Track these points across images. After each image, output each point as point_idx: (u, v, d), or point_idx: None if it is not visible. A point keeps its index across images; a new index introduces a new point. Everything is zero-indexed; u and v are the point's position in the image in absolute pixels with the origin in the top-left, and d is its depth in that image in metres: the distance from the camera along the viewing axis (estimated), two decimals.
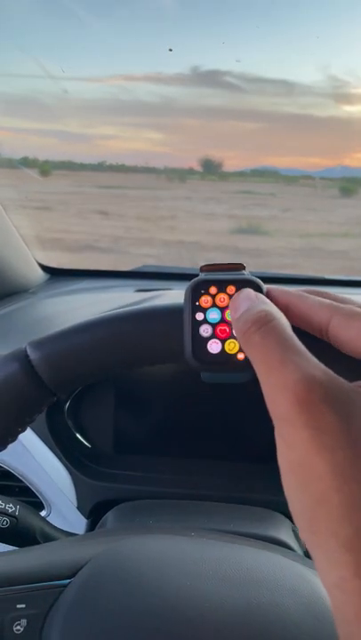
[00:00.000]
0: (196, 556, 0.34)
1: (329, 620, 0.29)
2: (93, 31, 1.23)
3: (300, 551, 0.47)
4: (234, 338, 0.27)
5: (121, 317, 0.30)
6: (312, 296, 0.25)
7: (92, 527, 0.60)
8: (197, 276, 0.29)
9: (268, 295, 0.26)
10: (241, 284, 0.27)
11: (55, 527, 0.50)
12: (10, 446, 0.33)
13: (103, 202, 2.14)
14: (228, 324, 0.28)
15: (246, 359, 0.27)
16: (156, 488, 0.59)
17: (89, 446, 0.64)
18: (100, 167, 1.70)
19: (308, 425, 0.17)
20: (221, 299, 0.28)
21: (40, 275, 0.94)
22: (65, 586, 0.31)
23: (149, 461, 0.63)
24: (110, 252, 1.67)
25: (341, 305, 0.24)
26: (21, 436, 0.35)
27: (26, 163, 1.25)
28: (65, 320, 0.68)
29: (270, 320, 0.21)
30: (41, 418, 0.59)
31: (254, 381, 0.23)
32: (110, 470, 0.61)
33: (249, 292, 0.25)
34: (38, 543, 0.46)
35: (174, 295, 0.74)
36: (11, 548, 0.45)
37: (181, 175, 1.85)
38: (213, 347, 0.28)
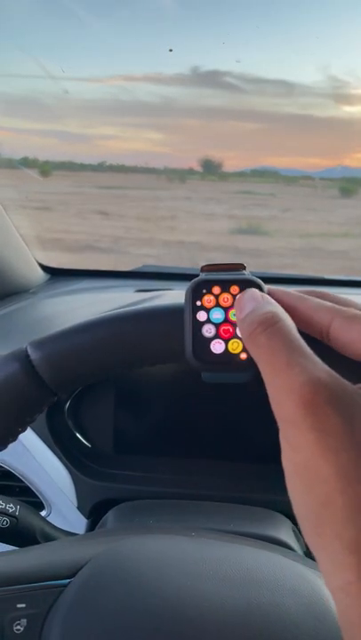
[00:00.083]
0: (196, 556, 0.34)
1: (329, 620, 0.29)
2: (93, 31, 1.23)
3: (300, 551, 0.47)
4: (237, 338, 0.27)
5: (122, 317, 0.30)
6: (313, 298, 0.25)
7: (92, 527, 0.60)
8: (198, 276, 0.29)
9: (269, 296, 0.26)
10: (242, 284, 0.27)
11: (55, 527, 0.50)
12: (10, 446, 0.33)
13: (103, 202, 2.14)
14: (232, 324, 0.27)
15: (249, 359, 0.27)
16: (156, 488, 0.59)
17: (89, 446, 0.64)
18: (100, 167, 1.70)
19: (314, 427, 0.17)
20: (225, 298, 0.28)
21: (40, 275, 0.94)
22: (65, 586, 0.31)
23: (149, 461, 0.63)
24: (110, 253, 1.67)
25: (342, 308, 0.24)
26: (22, 436, 0.35)
27: (26, 163, 1.25)
28: (65, 320, 0.68)
29: (277, 321, 0.21)
30: (41, 418, 0.59)
31: (255, 382, 0.23)
32: (110, 470, 0.61)
33: (254, 291, 0.25)
34: (38, 543, 0.46)
35: (175, 295, 0.74)
36: (11, 547, 0.45)
37: (181, 175, 1.85)
38: (217, 347, 0.28)
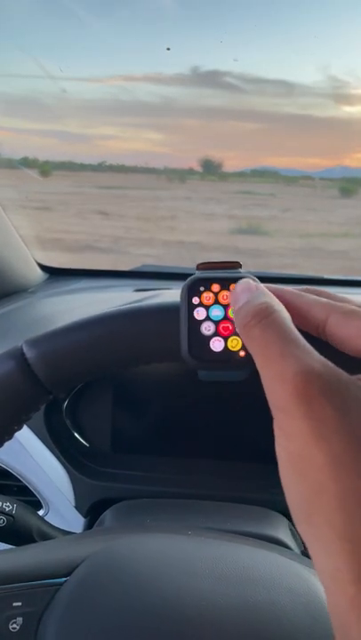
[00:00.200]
0: (192, 555, 0.34)
1: (326, 618, 0.29)
2: (93, 31, 1.23)
3: (297, 550, 0.47)
4: (237, 335, 0.27)
5: (117, 315, 0.30)
6: (308, 294, 0.25)
7: (89, 526, 0.60)
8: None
9: None
10: (237, 281, 0.27)
11: (52, 526, 0.50)
12: (8, 445, 0.33)
13: (103, 202, 2.14)
14: (231, 321, 0.27)
15: (247, 356, 0.27)
16: (153, 487, 0.59)
17: (87, 445, 0.64)
18: (100, 167, 1.70)
19: (307, 416, 0.17)
20: (224, 296, 0.28)
21: (39, 274, 0.95)
22: (61, 584, 0.31)
23: (147, 460, 0.63)
24: (110, 253, 1.67)
25: (339, 303, 0.24)
26: (19, 435, 0.35)
27: (26, 163, 1.25)
28: (64, 319, 0.68)
29: (271, 313, 0.21)
30: (39, 417, 0.59)
31: (253, 381, 0.23)
32: (108, 469, 0.61)
33: (249, 282, 0.25)
34: (35, 542, 0.46)
35: (173, 294, 0.74)
36: (7, 546, 0.45)
37: (181, 175, 1.85)
38: (216, 344, 0.28)
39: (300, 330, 0.22)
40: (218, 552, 0.35)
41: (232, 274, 0.28)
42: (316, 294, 0.25)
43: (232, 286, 0.27)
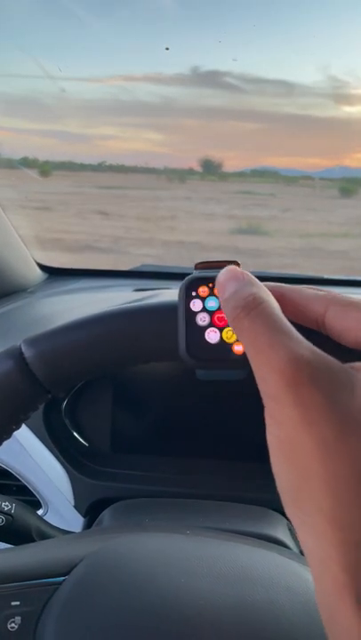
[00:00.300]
0: (191, 554, 0.34)
1: None
2: (93, 31, 1.23)
3: (295, 549, 0.47)
4: None
5: (115, 314, 0.30)
6: (306, 289, 0.25)
7: (88, 526, 0.60)
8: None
9: None
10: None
11: (51, 525, 0.50)
12: (7, 445, 0.33)
13: (103, 202, 2.14)
14: None
15: (244, 354, 0.27)
16: (153, 487, 0.59)
17: (86, 445, 0.64)
18: (99, 167, 1.70)
19: (296, 402, 0.17)
20: None
21: (38, 274, 0.95)
22: (59, 583, 0.31)
23: (147, 460, 0.63)
24: (110, 253, 1.67)
25: (337, 295, 0.24)
26: (19, 435, 0.35)
27: (26, 163, 1.25)
28: (63, 319, 0.68)
29: (259, 303, 0.21)
30: (38, 416, 0.59)
31: (252, 380, 0.23)
32: (107, 469, 0.61)
33: (235, 269, 0.24)
34: (34, 541, 0.46)
35: (172, 294, 0.74)
36: (6, 546, 0.45)
37: (181, 175, 1.85)
38: (211, 335, 0.28)
39: (298, 324, 0.22)
40: (216, 551, 0.35)
41: None
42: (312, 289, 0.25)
43: None
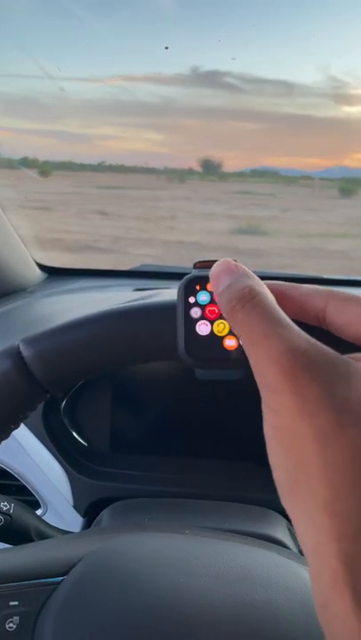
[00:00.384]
0: (190, 554, 0.34)
1: None
2: (93, 31, 1.23)
3: (295, 549, 0.47)
4: (223, 319, 0.27)
5: (114, 314, 0.30)
6: (305, 285, 0.25)
7: (87, 526, 0.60)
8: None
9: None
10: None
11: (50, 525, 0.50)
12: (6, 444, 0.33)
13: (103, 202, 2.14)
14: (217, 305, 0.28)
15: (238, 349, 0.27)
16: (152, 487, 0.59)
17: (85, 445, 0.64)
18: (99, 167, 1.70)
19: (293, 392, 0.17)
20: None
21: (38, 274, 0.94)
22: (58, 583, 0.31)
23: (146, 460, 0.63)
24: (110, 253, 1.67)
25: (337, 290, 0.24)
26: (17, 434, 0.35)
27: (25, 163, 1.25)
28: (62, 319, 0.68)
29: (254, 296, 0.21)
30: (37, 416, 0.59)
31: (251, 380, 0.23)
32: (106, 469, 0.61)
33: (228, 262, 0.24)
34: (33, 541, 0.46)
35: (172, 294, 0.74)
36: (5, 546, 0.45)
37: (181, 175, 1.85)
38: (202, 328, 0.28)
39: (297, 321, 0.22)
40: (215, 551, 0.34)
41: None
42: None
43: None
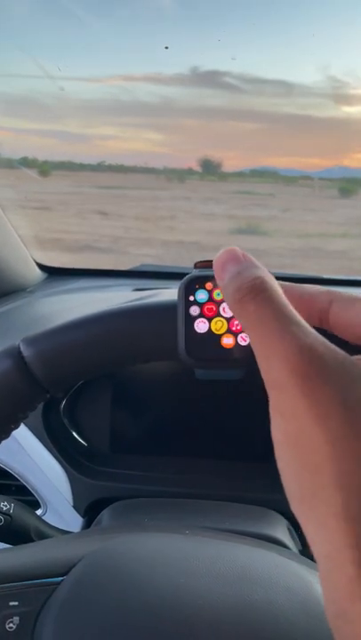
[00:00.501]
0: (190, 554, 0.34)
1: (323, 618, 0.29)
2: (93, 31, 1.23)
3: (295, 549, 0.47)
4: (220, 317, 0.27)
5: (114, 314, 0.30)
6: (309, 285, 0.25)
7: (87, 526, 0.60)
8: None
9: None
10: None
11: (50, 525, 0.50)
12: (6, 444, 0.33)
13: (102, 202, 2.14)
14: (216, 302, 0.28)
15: (235, 348, 0.27)
16: (152, 487, 0.59)
17: (85, 445, 0.64)
18: (99, 167, 1.70)
19: (306, 394, 0.17)
20: (217, 293, 0.28)
21: (38, 274, 0.94)
22: (58, 583, 0.31)
23: (146, 460, 0.63)
24: (110, 252, 1.67)
25: (341, 292, 0.24)
26: (17, 435, 0.35)
27: (25, 163, 1.25)
28: (62, 319, 0.68)
29: (266, 288, 0.20)
30: (37, 416, 0.59)
31: (251, 380, 0.23)
32: (106, 469, 0.61)
33: (235, 250, 0.22)
34: (33, 541, 0.46)
35: (171, 294, 0.74)
36: (5, 546, 0.45)
37: (181, 175, 1.85)
38: (200, 326, 0.28)
39: None
40: (215, 551, 0.34)
41: None
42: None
43: None
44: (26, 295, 0.86)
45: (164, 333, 0.29)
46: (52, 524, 0.52)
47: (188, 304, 0.28)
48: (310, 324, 0.22)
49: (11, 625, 0.29)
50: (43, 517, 0.53)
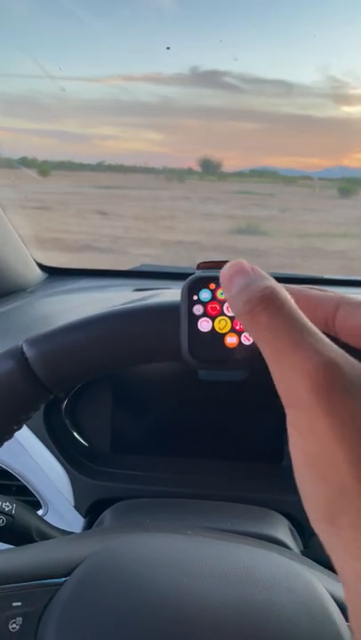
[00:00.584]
0: (192, 555, 0.34)
1: (325, 618, 0.29)
2: (93, 31, 1.23)
3: (296, 550, 0.47)
4: (224, 315, 0.27)
5: (117, 315, 0.30)
6: (315, 290, 0.24)
7: (89, 526, 0.60)
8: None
9: None
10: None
11: (52, 526, 0.50)
12: (7, 445, 0.33)
13: (102, 202, 2.14)
14: (219, 301, 0.28)
15: (239, 348, 0.27)
16: (153, 487, 0.59)
17: (86, 445, 0.64)
18: (99, 167, 1.70)
19: (328, 413, 0.16)
20: (221, 292, 0.28)
21: (38, 274, 0.94)
22: (61, 584, 0.31)
23: (147, 460, 0.63)
24: (109, 252, 1.67)
25: (348, 296, 0.23)
26: (19, 435, 0.35)
27: (25, 163, 1.25)
28: (63, 319, 0.68)
29: (277, 298, 0.19)
30: (38, 416, 0.59)
31: (253, 380, 0.23)
32: (108, 469, 0.61)
33: (242, 263, 0.21)
34: (35, 542, 0.46)
35: (172, 294, 0.74)
36: (7, 546, 0.45)
37: (180, 175, 1.85)
38: (204, 325, 0.28)
39: None
40: (217, 552, 0.35)
41: None
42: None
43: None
44: (26, 295, 0.86)
45: (166, 334, 0.29)
46: (54, 524, 0.52)
47: (192, 303, 0.28)
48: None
49: (14, 625, 0.29)
50: (44, 518, 0.53)
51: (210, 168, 1.63)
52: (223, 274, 0.21)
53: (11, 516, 0.44)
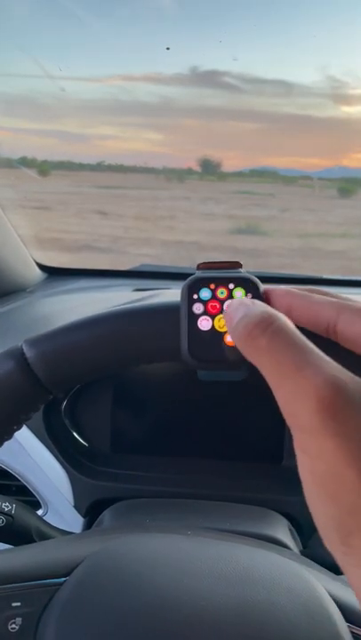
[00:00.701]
0: (192, 555, 0.34)
1: (324, 618, 0.29)
2: (93, 31, 1.23)
3: (296, 550, 0.47)
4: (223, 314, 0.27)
5: (117, 315, 0.30)
6: (316, 294, 0.24)
7: (88, 526, 0.60)
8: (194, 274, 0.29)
9: (269, 295, 0.26)
10: (238, 281, 0.27)
11: (51, 526, 0.50)
12: (7, 445, 0.33)
13: (102, 202, 2.14)
14: (219, 300, 0.28)
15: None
16: (153, 487, 0.59)
17: (86, 445, 0.64)
18: (98, 167, 1.70)
19: (335, 433, 0.16)
20: (221, 292, 0.28)
21: (38, 274, 0.94)
22: (60, 584, 0.31)
23: (147, 460, 0.63)
24: (109, 252, 1.67)
25: (349, 301, 0.23)
26: (18, 435, 0.35)
27: (24, 162, 1.25)
28: (62, 319, 0.68)
29: (275, 320, 0.19)
30: (38, 416, 0.59)
31: (253, 380, 0.23)
32: (107, 469, 0.61)
33: (242, 299, 0.22)
34: (34, 542, 0.46)
35: (172, 294, 0.74)
36: (6, 546, 0.45)
37: (180, 175, 1.86)
38: (203, 323, 0.28)
39: (307, 331, 0.22)
40: (217, 552, 0.35)
41: (233, 274, 0.28)
42: (322, 295, 0.24)
43: (229, 286, 0.27)
44: (26, 295, 0.86)
45: (167, 334, 0.29)
46: (53, 524, 0.52)
47: (192, 302, 0.28)
48: (317, 334, 0.22)
49: (13, 626, 0.29)
50: (44, 518, 0.53)
51: (210, 168, 1.63)
52: (227, 312, 0.22)
53: (10, 516, 0.44)
